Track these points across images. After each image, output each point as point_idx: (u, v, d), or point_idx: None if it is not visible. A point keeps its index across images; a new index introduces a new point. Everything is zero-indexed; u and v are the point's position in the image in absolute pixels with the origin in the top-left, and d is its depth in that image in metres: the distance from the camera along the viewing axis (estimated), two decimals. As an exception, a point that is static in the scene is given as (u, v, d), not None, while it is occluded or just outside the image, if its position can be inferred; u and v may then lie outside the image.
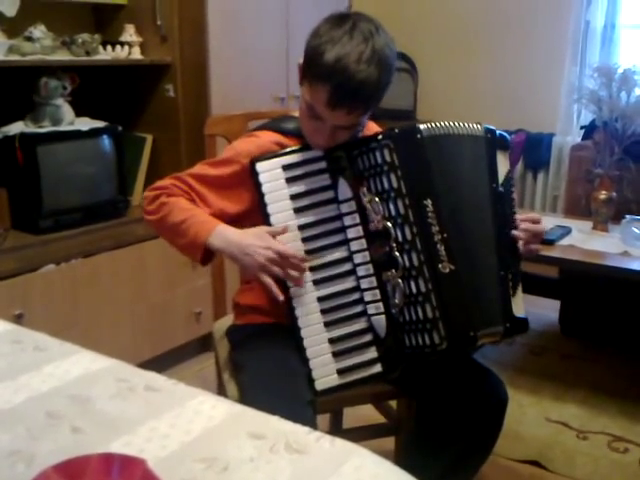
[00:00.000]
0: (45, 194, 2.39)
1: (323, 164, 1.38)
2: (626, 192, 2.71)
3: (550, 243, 2.43)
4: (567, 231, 2.56)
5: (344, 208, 1.37)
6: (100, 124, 2.62)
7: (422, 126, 1.33)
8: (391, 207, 1.32)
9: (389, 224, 1.32)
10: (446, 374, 1.43)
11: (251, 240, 1.31)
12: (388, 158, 1.31)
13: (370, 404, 1.77)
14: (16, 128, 2.40)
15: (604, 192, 2.56)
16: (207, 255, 1.35)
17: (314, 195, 1.38)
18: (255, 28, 2.86)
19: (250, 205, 1.41)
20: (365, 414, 1.83)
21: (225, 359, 1.60)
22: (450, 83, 3.99)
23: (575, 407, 2.44)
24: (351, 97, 1.28)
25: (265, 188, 1.36)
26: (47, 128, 2.45)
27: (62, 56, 2.53)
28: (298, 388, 1.34)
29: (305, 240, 1.36)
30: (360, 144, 1.35)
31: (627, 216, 2.50)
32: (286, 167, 1.37)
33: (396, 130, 1.33)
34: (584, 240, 2.50)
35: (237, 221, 1.42)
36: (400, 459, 1.60)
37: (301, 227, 1.37)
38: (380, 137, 1.32)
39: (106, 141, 2.60)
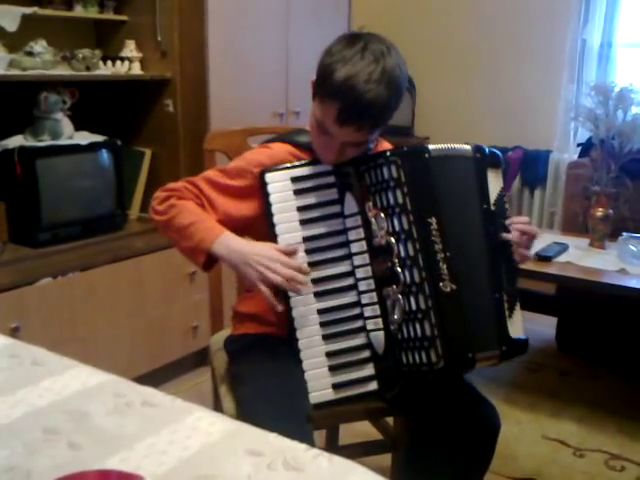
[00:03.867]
0: (43, 208, 2.39)
1: (331, 178, 1.41)
2: (623, 209, 2.72)
3: (547, 260, 2.44)
4: (564, 248, 2.56)
5: (349, 222, 1.39)
6: (99, 138, 2.63)
7: (431, 146, 1.36)
8: (395, 223, 1.33)
9: (392, 239, 1.33)
10: (440, 397, 1.41)
11: (255, 250, 1.32)
12: (395, 174, 1.32)
13: (366, 420, 1.77)
14: (15, 142, 2.41)
15: (601, 209, 2.57)
16: (209, 261, 1.37)
17: (321, 208, 1.40)
18: (255, 44, 2.88)
19: (256, 213, 1.42)
20: (361, 430, 1.82)
21: (222, 373, 1.60)
22: (448, 100, 4.01)
23: (572, 425, 2.43)
24: (359, 115, 1.30)
25: (273, 198, 1.39)
26: (46, 142, 2.46)
27: (62, 71, 2.55)
28: (297, 404, 1.34)
29: (309, 252, 1.38)
30: (368, 160, 1.37)
31: (624, 233, 2.51)
32: (295, 179, 1.40)
33: (405, 148, 1.36)
34: (581, 257, 2.50)
35: (242, 229, 1.43)
36: (397, 477, 1.58)
37: (306, 239, 1.38)
38: (388, 154, 1.35)
39: (105, 155, 2.61)
